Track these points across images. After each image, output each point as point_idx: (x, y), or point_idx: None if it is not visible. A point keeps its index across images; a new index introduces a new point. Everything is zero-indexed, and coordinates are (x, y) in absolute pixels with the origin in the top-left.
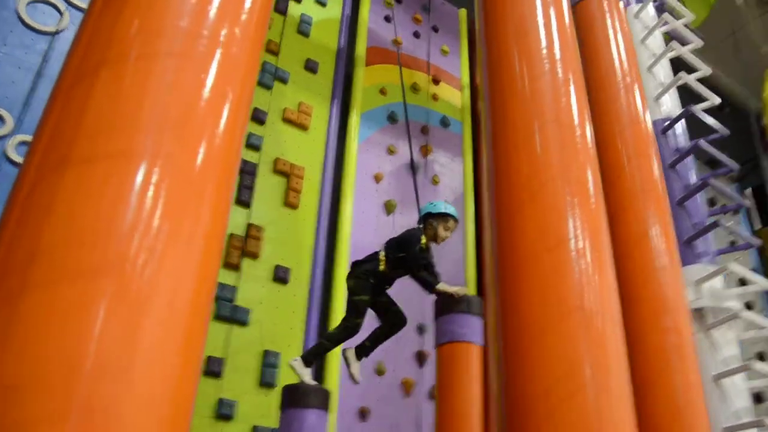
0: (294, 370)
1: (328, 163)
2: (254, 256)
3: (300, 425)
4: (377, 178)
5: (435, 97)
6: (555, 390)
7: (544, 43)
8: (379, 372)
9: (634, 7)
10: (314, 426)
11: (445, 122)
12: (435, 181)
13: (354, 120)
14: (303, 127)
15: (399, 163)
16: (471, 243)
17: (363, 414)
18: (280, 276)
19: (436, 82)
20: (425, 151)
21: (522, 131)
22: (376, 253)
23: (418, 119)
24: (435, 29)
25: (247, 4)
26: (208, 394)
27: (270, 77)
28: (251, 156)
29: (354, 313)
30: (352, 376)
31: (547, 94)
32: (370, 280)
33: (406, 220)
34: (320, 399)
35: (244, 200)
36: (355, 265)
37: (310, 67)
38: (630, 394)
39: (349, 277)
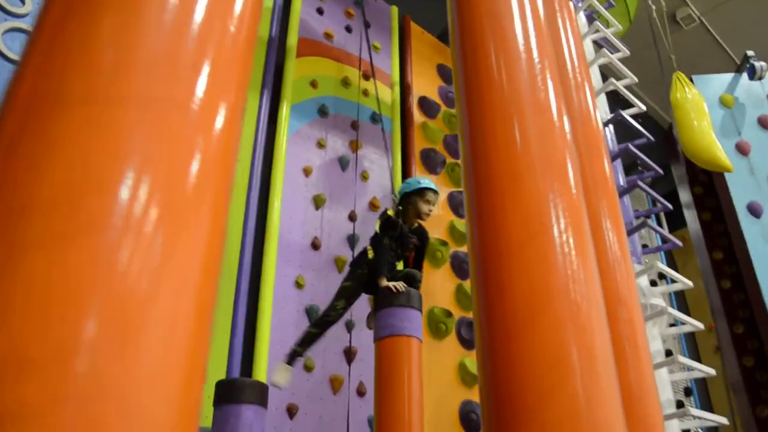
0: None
1: (257, 154)
2: None
3: (236, 422)
4: (306, 172)
5: (365, 93)
6: (545, 378)
7: (519, 31)
8: (308, 368)
9: None
10: (251, 422)
11: (375, 118)
12: (364, 177)
13: (284, 112)
14: None
15: (328, 156)
16: None
17: (291, 411)
18: None
19: (366, 77)
20: (355, 146)
21: (500, 120)
22: (365, 247)
23: (348, 114)
24: (367, 25)
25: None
26: None
27: None
28: None
29: (337, 297)
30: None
31: (524, 82)
32: (358, 271)
33: (334, 215)
34: (257, 394)
35: None
36: (351, 264)
37: None
38: (616, 381)
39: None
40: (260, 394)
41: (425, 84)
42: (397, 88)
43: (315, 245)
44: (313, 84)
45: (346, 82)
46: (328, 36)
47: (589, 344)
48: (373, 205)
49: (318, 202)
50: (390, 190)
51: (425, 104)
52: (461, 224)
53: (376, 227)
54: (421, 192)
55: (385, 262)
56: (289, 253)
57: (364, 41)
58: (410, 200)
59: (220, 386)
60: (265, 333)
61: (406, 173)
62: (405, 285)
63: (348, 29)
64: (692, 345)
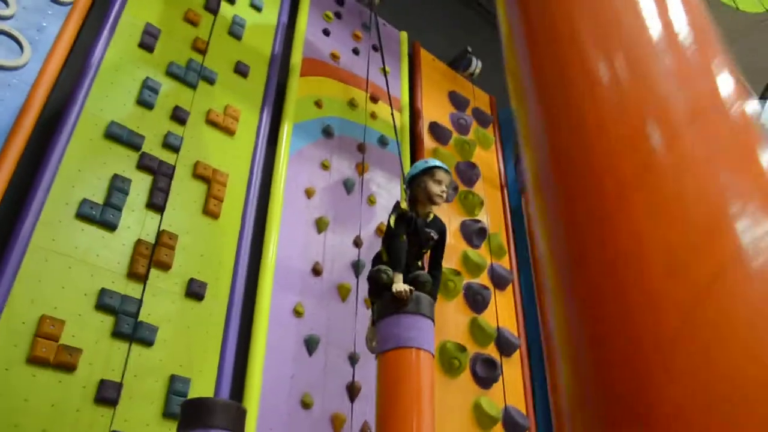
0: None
1: (255, 172)
2: (165, 267)
3: None
4: (308, 193)
5: (373, 116)
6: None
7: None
8: (305, 405)
9: None
10: None
11: (383, 141)
12: (371, 201)
13: (285, 130)
14: (229, 132)
15: (333, 179)
16: None
17: None
18: (195, 291)
19: (374, 100)
20: (361, 169)
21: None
22: (378, 252)
23: (354, 136)
24: (375, 48)
25: None
26: (100, 424)
27: (194, 75)
28: (168, 157)
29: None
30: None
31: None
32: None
33: (339, 240)
34: (230, 418)
35: (156, 204)
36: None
37: (241, 70)
38: None
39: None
40: (235, 419)
41: (436, 110)
42: (407, 112)
43: (316, 271)
44: (318, 104)
45: (352, 104)
46: (334, 57)
47: None
48: (380, 231)
49: (321, 226)
50: None
51: (436, 130)
52: (475, 254)
53: (390, 221)
54: (431, 171)
55: (400, 259)
56: (288, 278)
57: (373, 63)
58: (420, 182)
59: (186, 407)
60: (258, 362)
61: None
62: (413, 289)
63: (355, 51)
64: None
